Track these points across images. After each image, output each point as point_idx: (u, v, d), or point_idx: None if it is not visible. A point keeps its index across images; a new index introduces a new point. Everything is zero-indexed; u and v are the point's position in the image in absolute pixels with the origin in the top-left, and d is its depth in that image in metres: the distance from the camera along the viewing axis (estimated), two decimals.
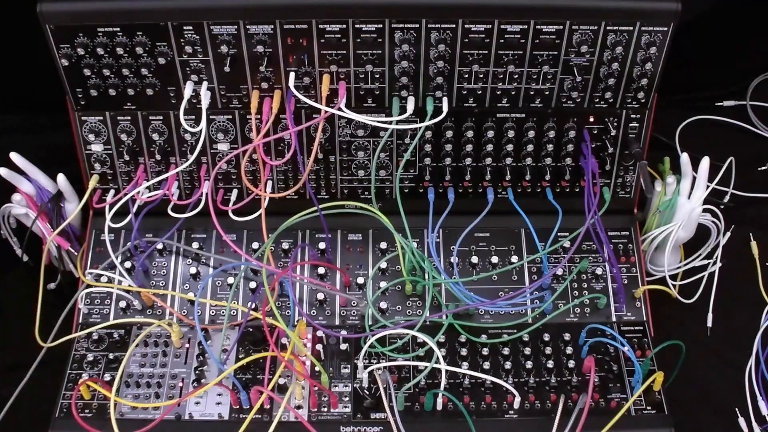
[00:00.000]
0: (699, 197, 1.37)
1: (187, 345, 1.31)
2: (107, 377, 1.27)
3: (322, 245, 1.37)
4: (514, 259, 1.38)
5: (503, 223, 1.41)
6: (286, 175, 1.40)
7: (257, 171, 1.38)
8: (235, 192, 1.41)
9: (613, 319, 1.34)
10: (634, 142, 1.36)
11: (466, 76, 1.29)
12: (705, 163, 1.36)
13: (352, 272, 1.38)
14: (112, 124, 1.35)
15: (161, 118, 1.35)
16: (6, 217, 1.41)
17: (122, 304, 1.34)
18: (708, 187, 1.38)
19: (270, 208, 1.34)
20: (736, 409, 1.34)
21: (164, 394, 1.26)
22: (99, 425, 1.20)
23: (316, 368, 1.25)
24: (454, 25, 1.24)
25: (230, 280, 1.36)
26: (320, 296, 1.34)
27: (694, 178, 1.38)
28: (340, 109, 1.27)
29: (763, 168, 1.67)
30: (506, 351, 1.28)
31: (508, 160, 1.38)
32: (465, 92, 1.31)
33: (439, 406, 1.23)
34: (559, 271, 1.37)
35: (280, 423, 1.20)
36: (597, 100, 1.33)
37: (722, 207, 1.53)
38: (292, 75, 1.28)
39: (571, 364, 1.27)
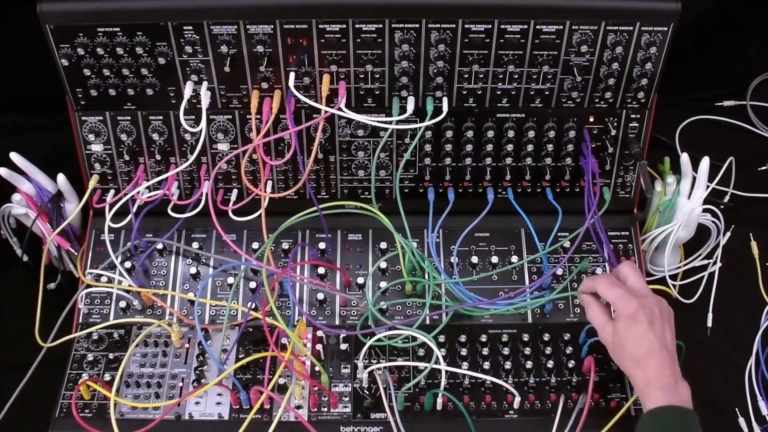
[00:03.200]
0: (699, 197, 1.37)
1: (187, 345, 1.31)
2: (107, 377, 1.27)
3: (322, 245, 1.37)
4: (514, 259, 1.38)
5: (503, 223, 1.41)
6: (286, 175, 1.40)
7: (257, 171, 1.38)
8: (235, 192, 1.41)
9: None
10: (634, 142, 1.36)
11: (466, 76, 1.29)
12: (705, 163, 1.36)
13: (352, 272, 1.38)
14: (112, 124, 1.35)
15: (161, 118, 1.35)
16: (6, 217, 1.41)
17: (122, 304, 1.34)
18: (708, 187, 1.38)
19: (270, 208, 1.34)
20: (736, 409, 1.34)
21: (164, 394, 1.26)
22: (99, 425, 1.20)
23: (316, 368, 1.26)
24: (454, 25, 1.24)
25: (230, 280, 1.36)
26: (320, 296, 1.34)
27: (694, 178, 1.38)
28: (340, 109, 1.27)
29: (763, 168, 1.67)
30: (506, 351, 1.28)
31: (508, 160, 1.38)
32: (465, 92, 1.31)
33: (439, 406, 1.23)
34: (559, 271, 1.37)
35: (280, 423, 1.20)
36: (597, 100, 1.33)
37: (722, 207, 1.53)
38: (292, 75, 1.28)
39: (571, 364, 1.27)
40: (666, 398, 1.08)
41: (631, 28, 1.24)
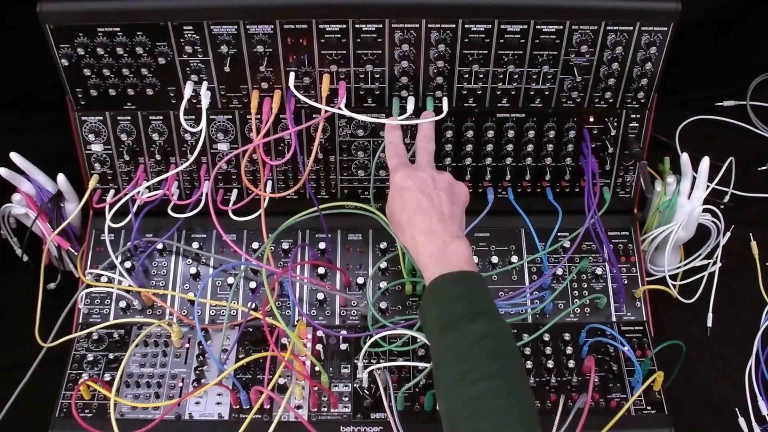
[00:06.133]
0: (699, 197, 1.37)
1: (187, 345, 1.31)
2: (107, 377, 1.27)
3: (322, 245, 1.37)
4: (514, 259, 1.38)
5: (503, 223, 1.41)
6: (286, 175, 1.40)
7: (257, 171, 1.38)
8: (235, 192, 1.41)
9: (613, 319, 1.34)
10: (634, 142, 1.36)
11: (466, 76, 1.29)
12: (705, 163, 1.36)
13: (352, 272, 1.38)
14: (112, 124, 1.35)
15: (161, 118, 1.35)
16: (6, 217, 1.41)
17: (122, 304, 1.34)
18: (708, 187, 1.38)
19: (270, 208, 1.34)
20: (736, 409, 1.34)
21: (164, 394, 1.26)
22: (99, 425, 1.20)
23: (316, 368, 1.26)
24: (454, 25, 1.24)
25: (230, 280, 1.36)
26: (320, 296, 1.34)
27: (694, 178, 1.38)
28: (340, 109, 1.27)
29: (763, 168, 1.67)
30: None
31: (508, 160, 1.38)
32: (465, 92, 1.31)
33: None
34: (559, 271, 1.37)
35: (280, 423, 1.20)
36: (597, 100, 1.33)
37: (722, 207, 1.53)
38: (292, 75, 1.28)
39: (571, 364, 1.27)
40: (435, 268, 1.05)
41: (631, 28, 1.24)
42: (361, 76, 1.29)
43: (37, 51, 1.31)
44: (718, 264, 1.49)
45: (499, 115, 1.35)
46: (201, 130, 1.29)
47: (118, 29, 1.23)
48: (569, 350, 1.28)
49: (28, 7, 1.21)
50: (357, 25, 1.24)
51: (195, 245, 1.39)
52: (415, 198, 1.12)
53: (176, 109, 1.31)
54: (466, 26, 1.24)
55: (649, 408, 1.24)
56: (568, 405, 1.23)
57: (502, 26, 1.24)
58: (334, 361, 1.29)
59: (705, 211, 1.42)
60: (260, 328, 1.29)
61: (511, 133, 1.35)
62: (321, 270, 1.36)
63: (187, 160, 1.35)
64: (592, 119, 1.35)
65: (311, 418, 1.24)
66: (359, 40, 1.25)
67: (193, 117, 1.34)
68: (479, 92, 1.31)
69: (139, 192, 1.36)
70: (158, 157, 1.37)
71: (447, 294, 1.03)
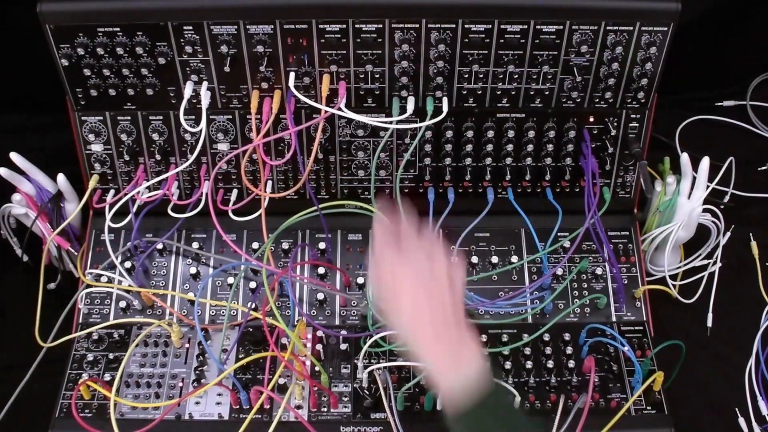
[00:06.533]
0: (699, 197, 1.37)
1: (187, 345, 1.31)
2: (107, 377, 1.27)
3: (322, 245, 1.37)
4: (514, 259, 1.38)
5: (503, 223, 1.41)
6: (286, 175, 1.40)
7: (257, 171, 1.38)
8: (235, 192, 1.41)
9: (613, 319, 1.34)
10: (634, 142, 1.36)
11: (466, 76, 1.29)
12: (705, 163, 1.36)
13: (352, 272, 1.38)
14: (112, 124, 1.35)
15: (161, 118, 1.35)
16: (6, 217, 1.41)
17: (122, 304, 1.34)
18: (708, 187, 1.38)
19: (270, 208, 1.34)
20: (736, 409, 1.34)
21: (164, 394, 1.26)
22: (99, 425, 1.20)
23: (316, 368, 1.26)
24: (454, 25, 1.24)
25: (230, 280, 1.36)
26: (320, 296, 1.34)
27: (694, 178, 1.38)
28: (340, 109, 1.27)
29: (763, 168, 1.67)
30: (506, 351, 1.28)
31: (508, 160, 1.38)
32: (465, 92, 1.31)
33: (439, 406, 1.23)
34: (559, 271, 1.37)
35: (280, 423, 1.20)
36: (597, 100, 1.33)
37: (722, 207, 1.53)
38: (292, 75, 1.28)
39: (571, 364, 1.27)
40: (448, 376, 0.94)
41: (631, 28, 1.24)
42: (361, 76, 1.29)
43: (37, 51, 1.31)
44: (718, 264, 1.49)
45: (499, 115, 1.34)
46: (201, 130, 1.29)
47: (118, 29, 1.23)
48: (569, 350, 1.28)
49: (28, 7, 1.22)
50: (357, 25, 1.24)
51: (195, 245, 1.39)
52: (410, 294, 0.98)
53: (176, 109, 1.31)
54: (466, 26, 1.24)
55: (649, 408, 1.24)
56: (568, 405, 1.23)
57: (502, 26, 1.24)
58: (334, 361, 1.29)
59: (705, 211, 1.42)
60: (260, 328, 1.29)
61: (511, 133, 1.35)
62: (321, 270, 1.36)
63: (187, 160, 1.35)
64: (592, 119, 1.35)
65: (311, 418, 1.24)
66: (359, 40, 1.25)
67: (193, 117, 1.34)
68: (479, 92, 1.31)
69: (139, 192, 1.36)
70: (158, 157, 1.37)
71: (479, 425, 0.94)
